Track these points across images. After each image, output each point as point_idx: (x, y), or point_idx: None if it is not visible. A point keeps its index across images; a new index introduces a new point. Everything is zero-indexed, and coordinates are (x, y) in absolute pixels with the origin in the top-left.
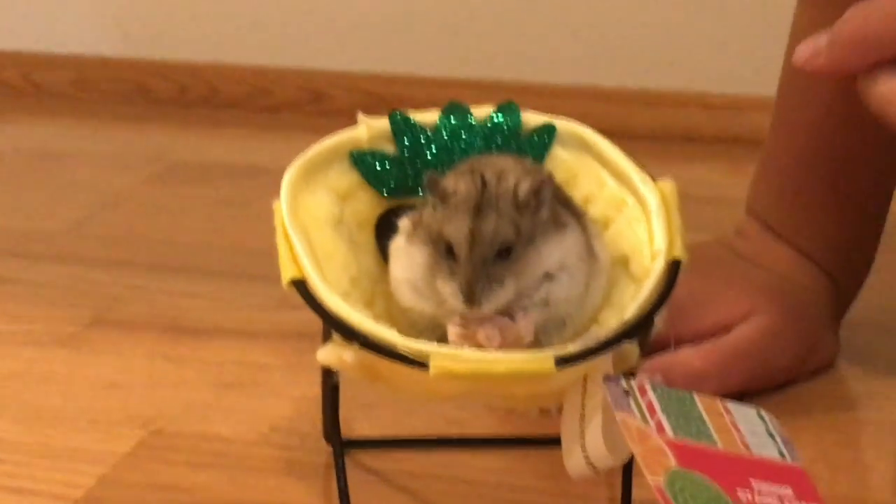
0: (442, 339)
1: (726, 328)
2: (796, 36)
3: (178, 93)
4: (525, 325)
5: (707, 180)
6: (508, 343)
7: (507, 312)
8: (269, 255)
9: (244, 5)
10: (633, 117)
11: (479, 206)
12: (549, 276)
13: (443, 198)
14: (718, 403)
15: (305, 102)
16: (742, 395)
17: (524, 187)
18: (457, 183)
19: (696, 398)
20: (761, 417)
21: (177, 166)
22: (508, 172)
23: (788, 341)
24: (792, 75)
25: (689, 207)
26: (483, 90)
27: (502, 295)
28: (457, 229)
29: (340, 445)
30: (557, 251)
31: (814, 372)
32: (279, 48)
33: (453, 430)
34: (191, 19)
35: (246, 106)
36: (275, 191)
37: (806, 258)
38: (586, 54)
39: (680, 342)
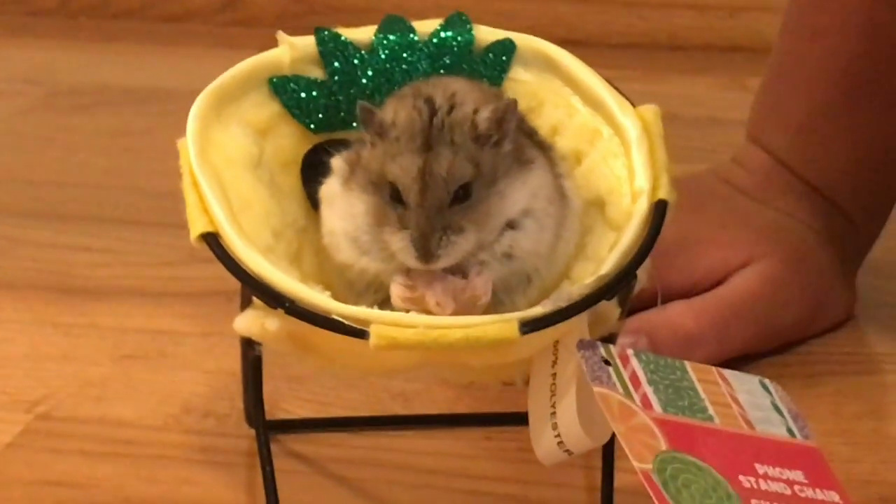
0: (385, 302)
1: (722, 277)
2: None
3: (61, 1)
4: (482, 283)
5: (699, 97)
6: (462, 307)
7: (460, 268)
8: (176, 197)
9: None
10: (610, 22)
11: (429, 139)
12: (512, 224)
13: (380, 131)
14: (715, 373)
15: (216, 10)
16: (742, 359)
17: (484, 115)
18: (397, 110)
19: (689, 367)
20: (766, 388)
21: (61, 91)
22: (463, 96)
23: (795, 293)
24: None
25: (677, 131)
26: None
27: (462, 245)
28: (403, 169)
29: (265, 428)
30: (523, 193)
31: (827, 329)
32: None
33: (399, 408)
34: None
35: (143, 15)
36: (181, 119)
37: (818, 193)
38: None
39: (667, 293)
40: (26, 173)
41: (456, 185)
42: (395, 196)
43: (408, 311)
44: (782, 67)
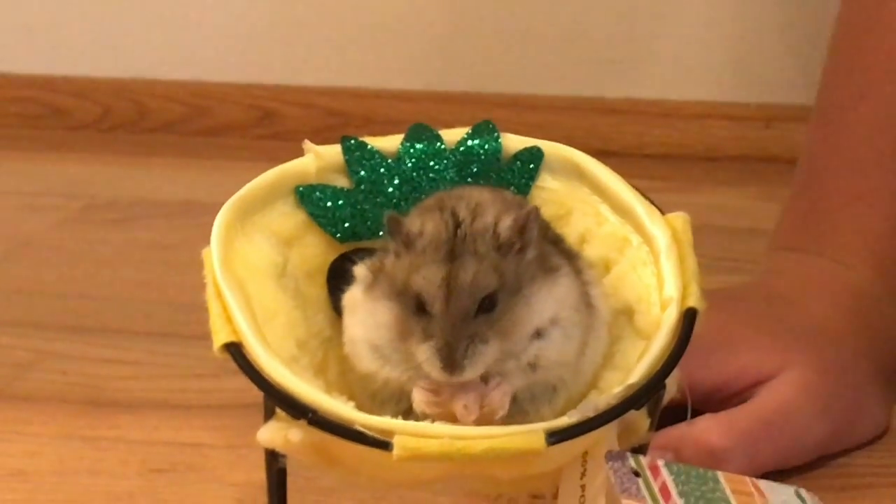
0: (409, 412)
1: (753, 381)
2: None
3: (99, 115)
4: (498, 396)
5: (736, 207)
6: (482, 417)
7: (484, 376)
8: (206, 309)
9: (175, 10)
10: (645, 133)
11: (453, 250)
12: (539, 333)
13: (407, 242)
14: (749, 483)
15: (252, 124)
16: (776, 472)
17: (506, 223)
18: (423, 222)
19: (721, 477)
20: (801, 498)
21: (97, 205)
22: (486, 206)
23: (829, 404)
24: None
25: (714, 241)
26: (460, 104)
27: (488, 355)
28: (428, 280)
29: None
30: (549, 301)
31: (862, 443)
32: (219, 60)
33: None
34: (112, 28)
35: (180, 129)
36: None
37: (859, 295)
38: (584, 59)
39: (697, 391)
40: (58, 287)
41: (481, 295)
42: (420, 307)
43: (432, 418)
44: (813, 163)
